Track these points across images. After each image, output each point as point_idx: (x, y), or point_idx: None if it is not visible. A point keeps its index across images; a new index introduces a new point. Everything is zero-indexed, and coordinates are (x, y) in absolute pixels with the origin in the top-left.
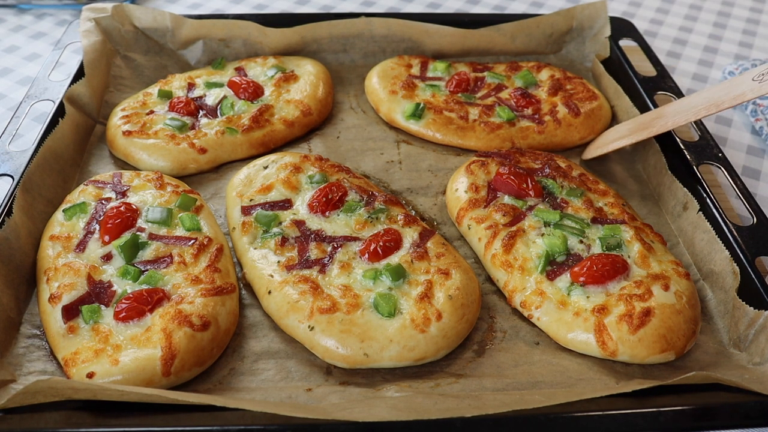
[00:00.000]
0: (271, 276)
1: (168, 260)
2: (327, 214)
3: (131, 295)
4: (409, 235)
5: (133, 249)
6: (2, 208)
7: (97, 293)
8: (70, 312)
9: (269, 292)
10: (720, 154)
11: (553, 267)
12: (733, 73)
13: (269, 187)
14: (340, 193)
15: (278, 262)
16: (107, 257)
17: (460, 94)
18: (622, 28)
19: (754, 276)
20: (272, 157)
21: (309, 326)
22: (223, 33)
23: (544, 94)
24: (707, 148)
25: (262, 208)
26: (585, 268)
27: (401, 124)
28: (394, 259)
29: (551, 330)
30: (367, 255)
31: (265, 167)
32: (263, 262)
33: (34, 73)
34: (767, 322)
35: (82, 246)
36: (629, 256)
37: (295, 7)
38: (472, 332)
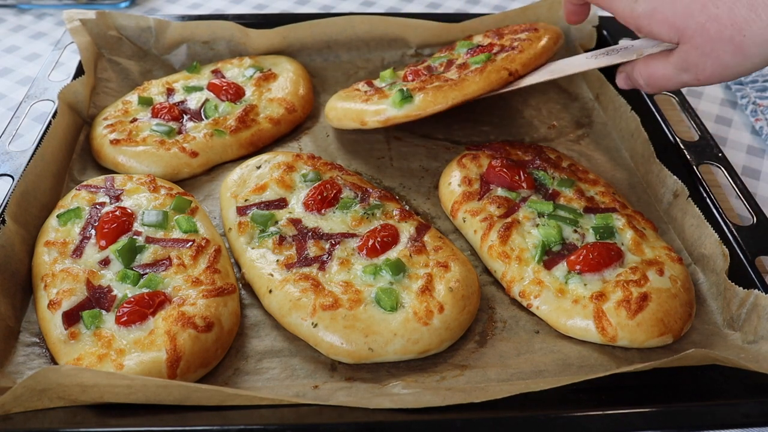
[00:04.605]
0: (271, 275)
1: (167, 263)
2: (323, 211)
3: (132, 299)
4: (406, 230)
5: (130, 253)
6: (2, 208)
7: (97, 298)
8: (71, 318)
9: (270, 291)
10: (720, 154)
11: (549, 256)
12: None
13: (263, 187)
14: (334, 191)
15: (277, 260)
16: (105, 262)
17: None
18: (622, 28)
19: (754, 276)
20: (265, 156)
21: (312, 323)
22: (207, 35)
23: (492, 41)
24: (707, 148)
25: (257, 208)
26: (581, 257)
27: (397, 115)
28: (393, 254)
29: (551, 318)
30: (365, 251)
31: (258, 167)
32: (262, 262)
33: (34, 73)
34: (757, 301)
35: (79, 251)
36: (623, 244)
37: (295, 7)
38: (473, 323)
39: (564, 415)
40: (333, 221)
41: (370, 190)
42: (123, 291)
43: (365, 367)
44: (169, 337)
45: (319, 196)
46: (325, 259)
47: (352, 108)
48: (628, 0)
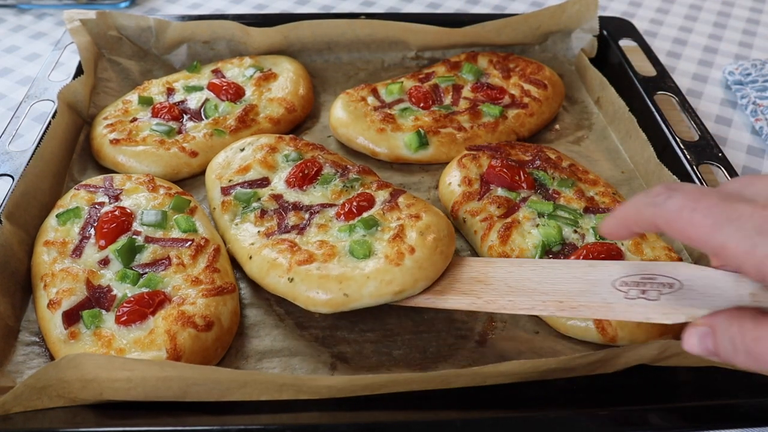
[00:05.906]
0: (252, 244)
1: (166, 262)
2: (304, 188)
3: (132, 299)
4: (381, 196)
5: (130, 253)
6: (2, 208)
7: (97, 298)
8: (71, 317)
9: (250, 258)
10: (720, 154)
11: (549, 256)
12: (732, 73)
13: (247, 168)
14: (315, 168)
15: (258, 231)
16: (104, 262)
17: (434, 108)
18: (622, 28)
19: None
20: (249, 139)
21: (289, 278)
22: (207, 35)
23: (499, 80)
24: (707, 148)
25: (240, 187)
26: (581, 257)
27: (410, 157)
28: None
29: (551, 318)
30: (342, 216)
31: (242, 149)
32: (245, 234)
33: (34, 73)
34: None
35: (78, 251)
36: (623, 244)
37: (295, 7)
38: (473, 323)
39: (564, 415)
40: (314, 196)
41: (350, 167)
42: (123, 290)
43: (365, 367)
44: (168, 337)
45: (301, 174)
46: (303, 226)
47: (364, 139)
48: (746, 238)
